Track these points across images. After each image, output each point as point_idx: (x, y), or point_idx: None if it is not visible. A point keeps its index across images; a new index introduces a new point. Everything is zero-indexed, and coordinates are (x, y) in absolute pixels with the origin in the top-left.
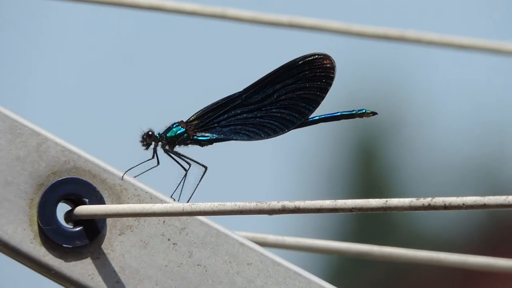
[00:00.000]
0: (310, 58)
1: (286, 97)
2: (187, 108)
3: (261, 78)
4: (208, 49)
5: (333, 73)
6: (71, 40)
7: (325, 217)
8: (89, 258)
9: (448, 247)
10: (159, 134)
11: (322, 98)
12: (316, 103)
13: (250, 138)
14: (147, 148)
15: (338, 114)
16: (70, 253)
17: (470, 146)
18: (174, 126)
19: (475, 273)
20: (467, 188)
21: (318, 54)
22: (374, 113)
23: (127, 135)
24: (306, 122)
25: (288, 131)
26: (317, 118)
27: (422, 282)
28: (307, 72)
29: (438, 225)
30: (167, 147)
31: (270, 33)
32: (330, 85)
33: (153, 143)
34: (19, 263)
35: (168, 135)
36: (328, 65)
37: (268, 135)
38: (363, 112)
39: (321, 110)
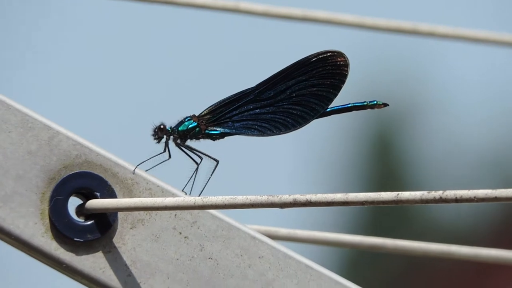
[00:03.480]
0: (324, 55)
1: (298, 93)
2: (199, 102)
3: (274, 74)
4: (220, 43)
5: (347, 71)
6: (85, 33)
7: (338, 210)
8: (100, 251)
9: (462, 240)
10: (171, 128)
11: (335, 95)
12: (328, 100)
13: (262, 133)
14: (158, 142)
15: (350, 105)
16: (81, 247)
17: (483, 139)
18: (186, 120)
19: (489, 266)
20: (481, 181)
21: (332, 51)
22: (385, 105)
23: (139, 129)
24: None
25: (300, 127)
26: (329, 110)
27: (436, 275)
28: (320, 69)
29: (452, 218)
30: (178, 141)
31: (283, 26)
32: (343, 82)
33: (164, 137)
34: (30, 257)
35: (180, 129)
36: (341, 63)
37: (280, 131)
38: (374, 104)
39: (333, 102)
